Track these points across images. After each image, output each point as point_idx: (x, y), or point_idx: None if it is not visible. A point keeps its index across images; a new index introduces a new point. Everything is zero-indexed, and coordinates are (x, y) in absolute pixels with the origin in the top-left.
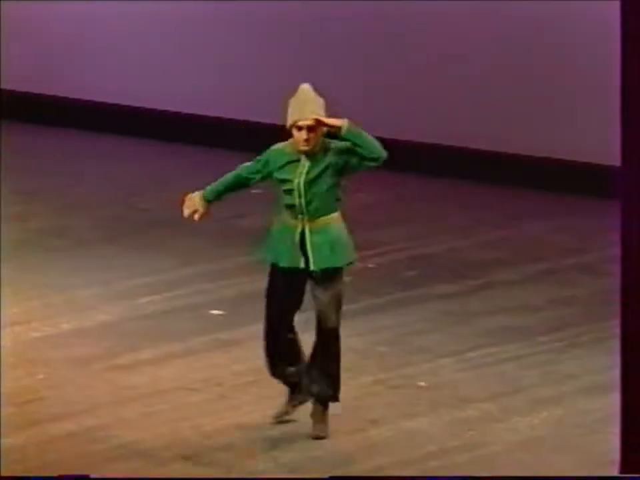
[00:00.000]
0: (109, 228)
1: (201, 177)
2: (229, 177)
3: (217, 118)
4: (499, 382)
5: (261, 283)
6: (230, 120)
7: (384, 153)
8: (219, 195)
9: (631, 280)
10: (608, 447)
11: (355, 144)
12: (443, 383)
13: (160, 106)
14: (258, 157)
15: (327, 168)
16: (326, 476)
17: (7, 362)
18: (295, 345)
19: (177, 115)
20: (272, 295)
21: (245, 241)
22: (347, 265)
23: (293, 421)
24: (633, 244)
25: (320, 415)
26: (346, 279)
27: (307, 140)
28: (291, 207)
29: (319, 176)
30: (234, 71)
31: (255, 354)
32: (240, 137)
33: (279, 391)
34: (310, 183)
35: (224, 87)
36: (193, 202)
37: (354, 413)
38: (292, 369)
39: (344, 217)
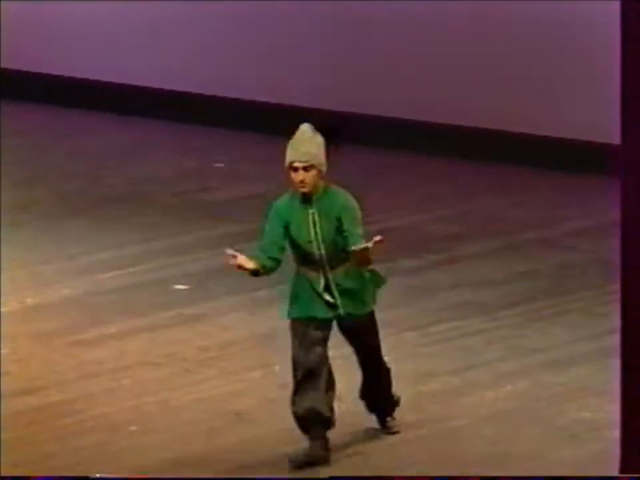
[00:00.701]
0: (73, 202)
1: (167, 153)
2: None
3: (185, 93)
4: (462, 356)
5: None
6: (198, 95)
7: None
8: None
9: (631, 259)
10: (571, 419)
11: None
12: (406, 357)
13: (128, 81)
14: (268, 221)
15: (335, 217)
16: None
17: None
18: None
19: (144, 89)
20: (301, 345)
21: (209, 215)
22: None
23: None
24: (633, 221)
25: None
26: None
27: (302, 181)
28: (310, 258)
29: (331, 224)
30: (203, 46)
31: (219, 329)
32: (208, 112)
33: (244, 365)
34: (326, 233)
35: (193, 62)
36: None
37: None
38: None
39: None
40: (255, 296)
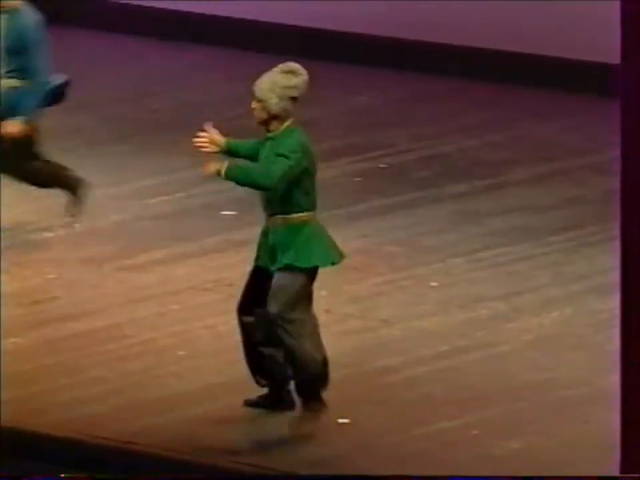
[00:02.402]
0: (118, 128)
1: (211, 77)
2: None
3: (228, 17)
4: (509, 282)
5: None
6: (241, 20)
7: (269, 182)
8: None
9: (632, 179)
10: (616, 345)
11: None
12: (454, 283)
13: (171, 5)
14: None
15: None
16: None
17: (14, 262)
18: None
19: (188, 14)
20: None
21: None
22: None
23: None
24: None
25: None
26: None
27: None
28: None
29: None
30: None
31: None
32: (251, 36)
33: None
34: None
35: None
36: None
37: (364, 312)
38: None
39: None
40: None
